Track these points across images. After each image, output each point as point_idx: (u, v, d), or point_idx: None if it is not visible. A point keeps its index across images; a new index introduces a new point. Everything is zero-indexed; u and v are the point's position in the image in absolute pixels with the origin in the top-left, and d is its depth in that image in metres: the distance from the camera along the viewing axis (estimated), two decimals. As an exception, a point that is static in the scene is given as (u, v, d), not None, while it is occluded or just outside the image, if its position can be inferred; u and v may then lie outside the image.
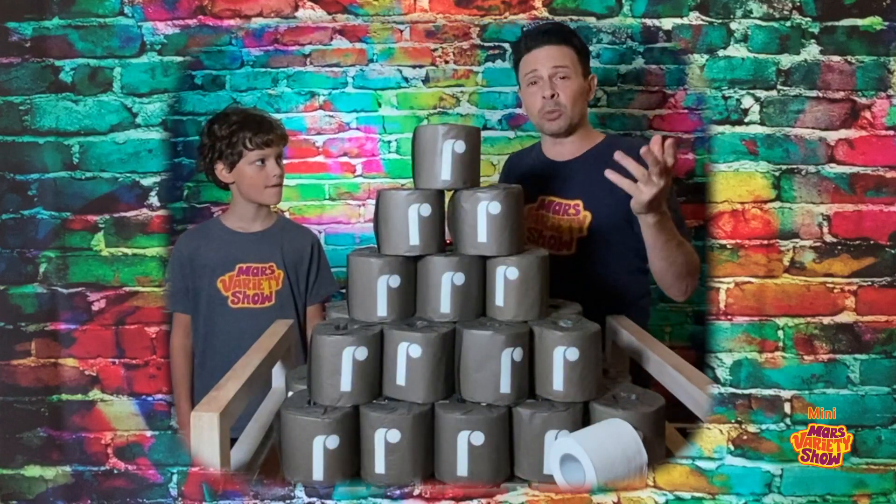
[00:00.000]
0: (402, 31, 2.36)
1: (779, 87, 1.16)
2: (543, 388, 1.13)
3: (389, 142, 2.40)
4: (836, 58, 1.16)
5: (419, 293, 1.20)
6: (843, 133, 1.16)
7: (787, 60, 1.16)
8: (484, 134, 2.00)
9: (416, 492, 1.12)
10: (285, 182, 1.79)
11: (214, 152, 1.73)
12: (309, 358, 1.14)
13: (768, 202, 1.17)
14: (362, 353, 1.11)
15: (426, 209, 1.18)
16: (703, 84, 1.18)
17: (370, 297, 1.17)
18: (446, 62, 2.37)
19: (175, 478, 1.17)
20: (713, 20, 1.16)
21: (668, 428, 1.21)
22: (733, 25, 1.16)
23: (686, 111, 2.37)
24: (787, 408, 1.16)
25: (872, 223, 1.17)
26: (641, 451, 1.04)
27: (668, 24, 1.17)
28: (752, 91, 1.17)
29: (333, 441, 1.08)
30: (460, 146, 1.19)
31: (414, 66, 2.37)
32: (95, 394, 1.18)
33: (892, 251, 1.17)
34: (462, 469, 1.09)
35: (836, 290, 1.17)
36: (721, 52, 1.17)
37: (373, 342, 1.12)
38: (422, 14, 1.20)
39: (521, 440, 1.10)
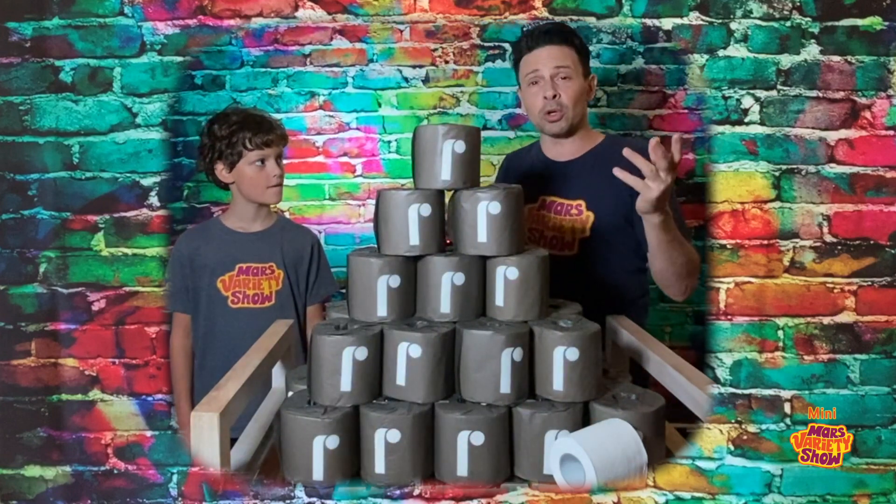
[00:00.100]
0: (402, 31, 2.36)
1: (779, 87, 1.16)
2: (543, 388, 1.13)
3: (389, 142, 2.40)
4: (836, 58, 1.16)
5: (419, 293, 1.20)
6: (843, 133, 1.16)
7: (787, 60, 1.16)
8: (484, 134, 2.00)
9: (416, 492, 1.12)
10: (285, 182, 1.79)
11: (214, 152, 1.73)
12: (309, 358, 1.14)
13: (768, 202, 1.17)
14: (362, 353, 1.11)
15: (426, 209, 1.18)
16: (703, 84, 1.18)
17: (370, 297, 1.17)
18: (446, 62, 2.37)
19: (175, 478, 1.17)
20: (713, 20, 1.16)
21: (668, 428, 1.21)
22: (733, 25, 1.16)
23: (686, 111, 2.37)
24: (787, 408, 1.16)
25: (872, 223, 1.17)
26: (641, 451, 1.04)
27: (668, 24, 1.17)
28: (752, 91, 1.17)
29: (333, 441, 1.08)
30: (460, 146, 1.19)
31: (414, 66, 2.37)
32: (95, 394, 1.18)
33: (892, 251, 1.17)
34: (462, 469, 1.09)
35: (836, 290, 1.17)
36: (721, 52, 1.17)
37: (373, 342, 1.12)
38: (422, 14, 1.20)
39: (521, 440, 1.10)
